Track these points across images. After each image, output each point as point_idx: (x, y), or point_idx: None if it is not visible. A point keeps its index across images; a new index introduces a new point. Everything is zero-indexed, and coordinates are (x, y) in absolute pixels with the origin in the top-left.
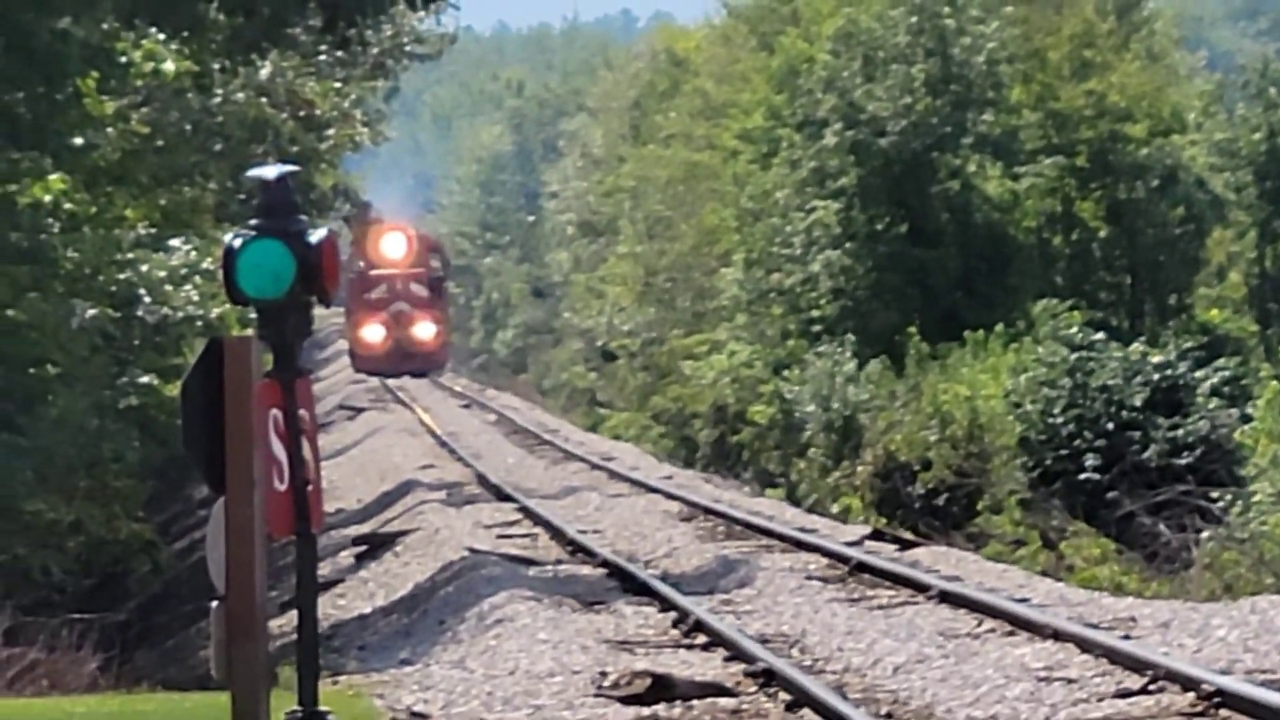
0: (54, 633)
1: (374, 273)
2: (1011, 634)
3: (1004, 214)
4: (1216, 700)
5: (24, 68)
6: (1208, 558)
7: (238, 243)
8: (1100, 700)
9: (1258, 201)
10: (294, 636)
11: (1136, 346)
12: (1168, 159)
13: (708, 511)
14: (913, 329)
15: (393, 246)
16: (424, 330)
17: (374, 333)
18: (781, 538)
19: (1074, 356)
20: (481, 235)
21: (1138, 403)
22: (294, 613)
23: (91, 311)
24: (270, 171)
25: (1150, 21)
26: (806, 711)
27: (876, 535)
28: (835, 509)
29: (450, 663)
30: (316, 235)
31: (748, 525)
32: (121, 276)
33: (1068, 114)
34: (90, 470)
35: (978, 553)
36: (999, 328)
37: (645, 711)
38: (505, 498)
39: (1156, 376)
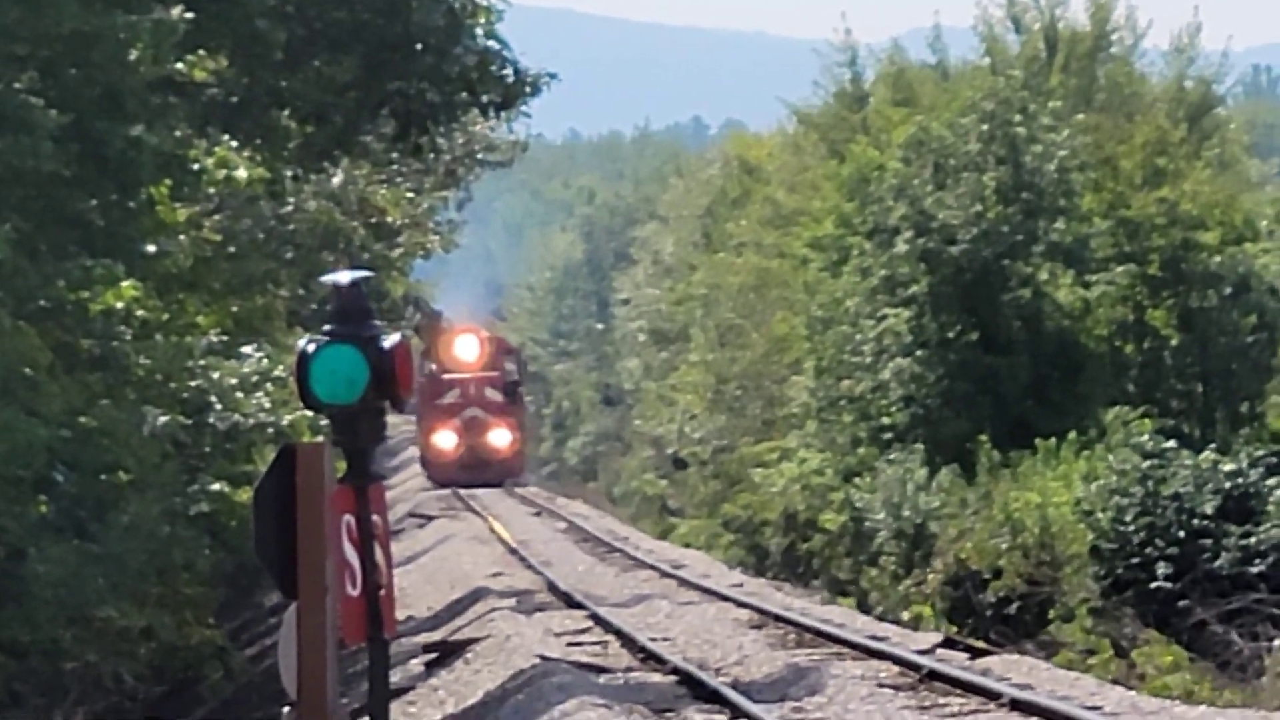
0: None
1: (446, 376)
2: None
3: (1075, 322)
4: None
5: (97, 175)
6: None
7: (311, 348)
8: None
9: None
10: None
11: (1208, 454)
12: (1240, 267)
13: (778, 619)
14: (984, 437)
15: (465, 349)
16: (499, 438)
17: (446, 440)
18: (852, 645)
19: (1145, 464)
20: (553, 343)
21: (1209, 510)
22: None
23: (163, 418)
24: (344, 277)
25: (1221, 129)
26: None
27: (948, 643)
28: (906, 617)
29: None
30: (390, 340)
31: (818, 633)
32: (193, 383)
33: (1139, 222)
34: (161, 576)
35: (1049, 661)
36: (1070, 435)
37: None
38: (575, 605)
39: (1228, 484)
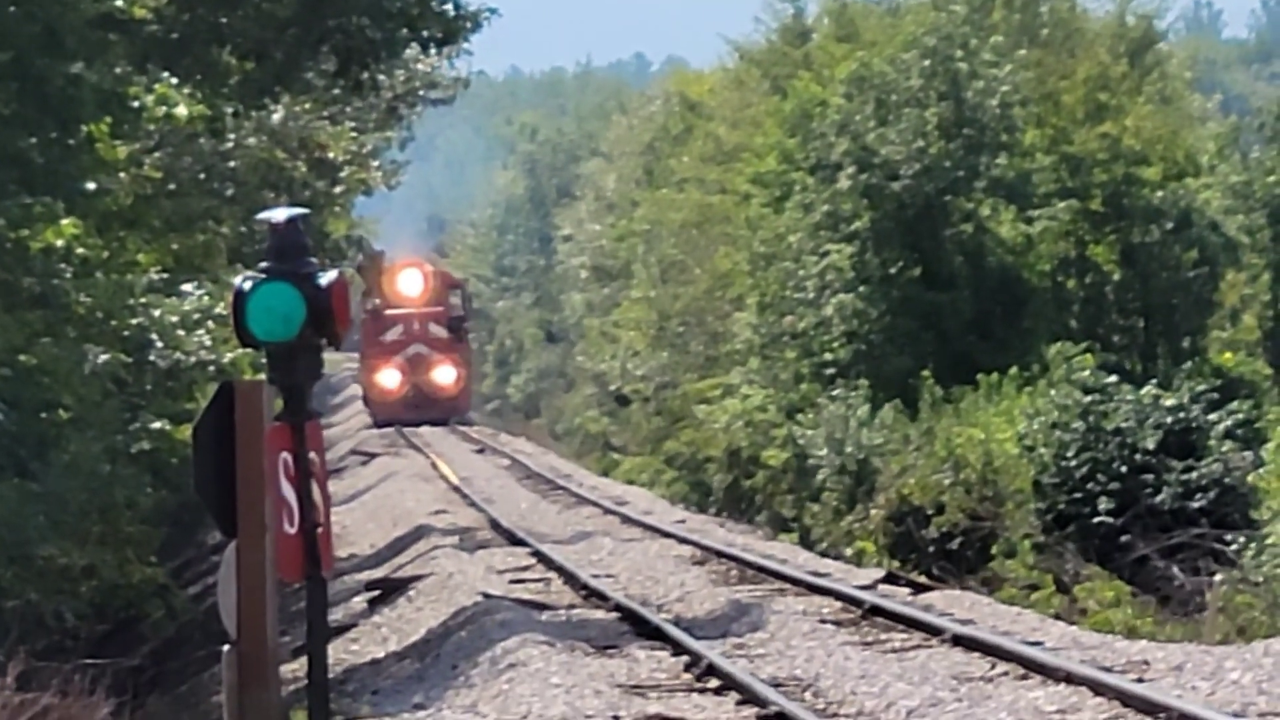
0: (67, 678)
1: (389, 312)
2: (1025, 677)
3: (1017, 257)
4: None
5: (37, 113)
6: (1221, 601)
7: (248, 285)
8: None
9: (1271, 244)
10: (306, 682)
11: (1149, 389)
12: (1182, 202)
13: (721, 555)
14: (926, 372)
15: (409, 283)
16: (444, 375)
17: (390, 378)
18: (795, 581)
19: (1087, 399)
20: (496, 279)
21: (1151, 446)
22: (306, 658)
23: (104, 356)
24: (280, 214)
25: (1162, 64)
26: None
27: (890, 579)
28: (849, 553)
29: (463, 707)
30: (327, 277)
31: (761, 569)
32: (134, 321)
33: (1081, 157)
34: (103, 515)
35: (991, 596)
36: (1013, 371)
37: None
38: (518, 542)
39: (1170, 419)
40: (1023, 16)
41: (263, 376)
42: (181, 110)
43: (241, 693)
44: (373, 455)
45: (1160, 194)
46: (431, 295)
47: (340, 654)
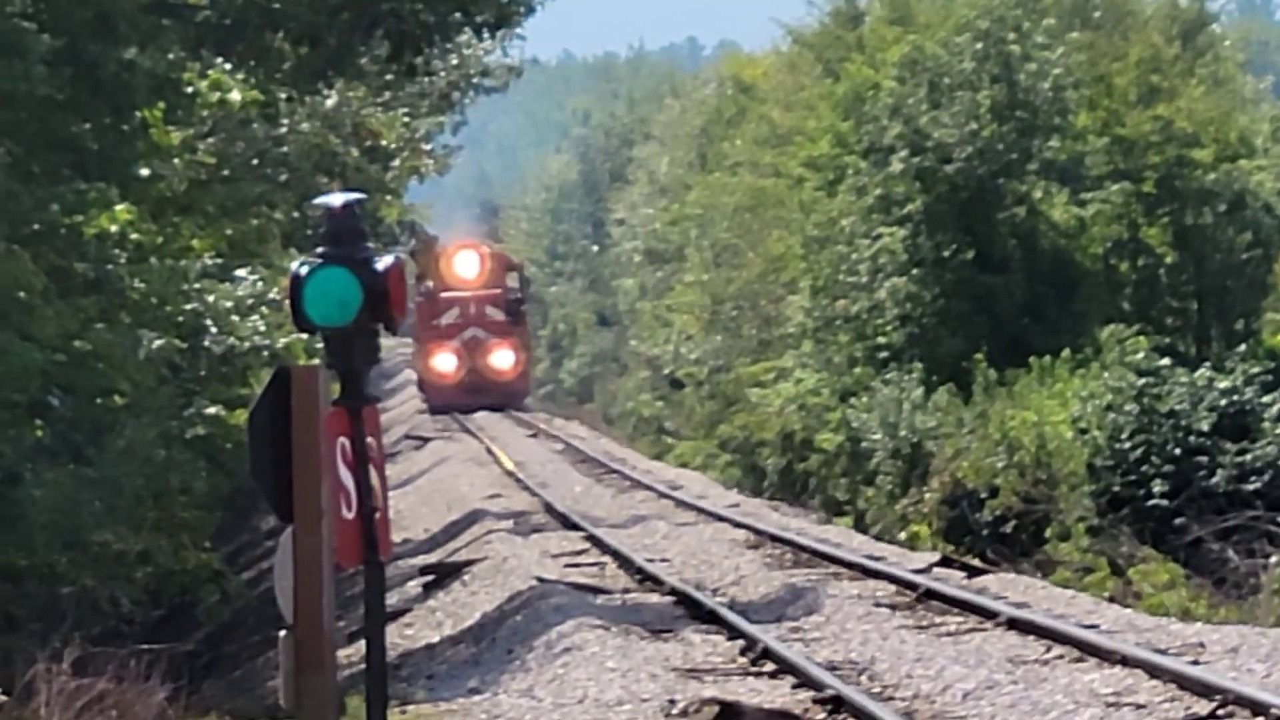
0: (122, 663)
1: (445, 295)
2: (1080, 660)
3: (1070, 240)
4: None
5: (91, 98)
6: (1276, 583)
7: (304, 270)
8: None
9: None
10: (362, 666)
11: (1203, 372)
12: (1235, 184)
13: (775, 539)
14: (979, 355)
15: (465, 265)
16: (502, 359)
17: (446, 362)
18: (849, 565)
19: (1141, 382)
20: (549, 264)
21: (1205, 428)
22: (362, 642)
23: (158, 342)
24: (336, 199)
25: (1215, 46)
26: None
27: (944, 562)
28: (903, 536)
29: (518, 691)
30: (383, 262)
31: (815, 553)
32: (188, 306)
33: (1134, 139)
34: (158, 501)
35: (1045, 579)
36: (1065, 353)
37: None
38: (573, 526)
39: (1223, 402)
40: None
41: (318, 361)
42: (235, 95)
43: (298, 677)
44: (426, 440)
45: (1213, 176)
46: (488, 277)
47: (395, 639)
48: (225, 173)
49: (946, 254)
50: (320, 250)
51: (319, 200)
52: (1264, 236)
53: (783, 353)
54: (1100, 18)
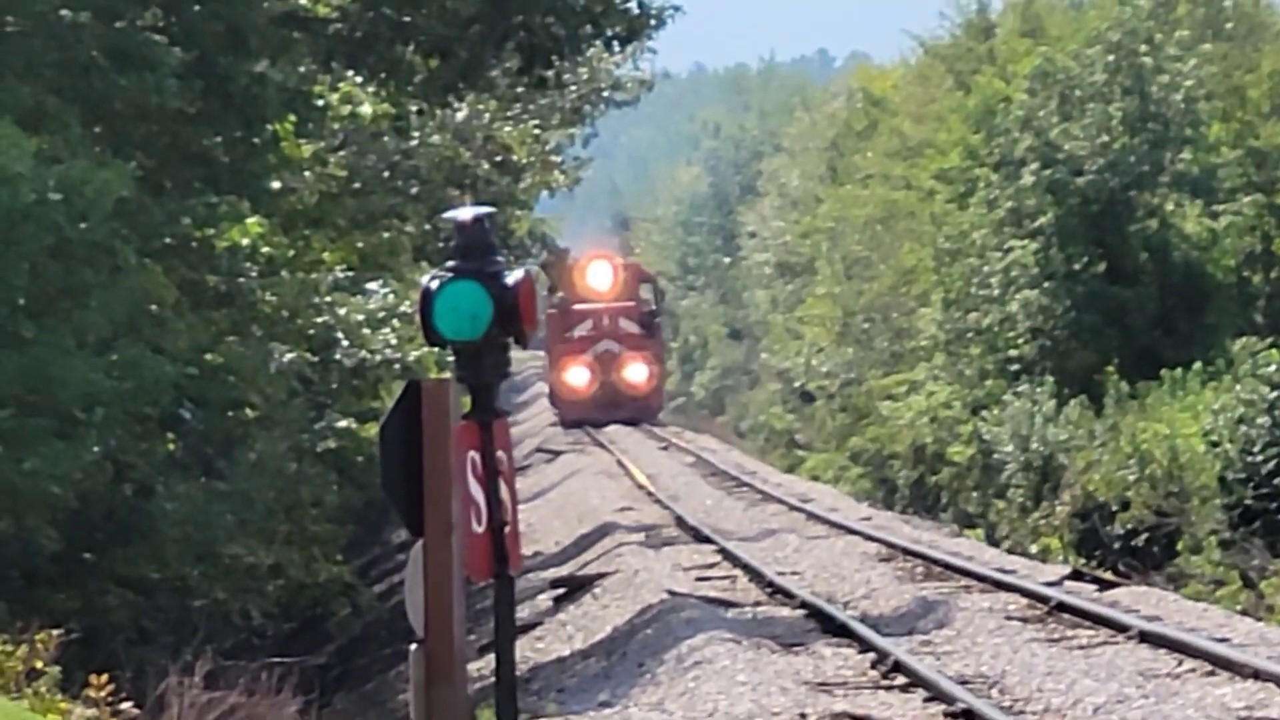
0: (254, 676)
1: (578, 307)
2: (1212, 674)
3: (1202, 252)
4: None
5: (222, 112)
6: None
7: (434, 284)
8: None
9: None
10: (493, 680)
11: None
12: None
13: (906, 552)
14: (1111, 368)
15: (599, 277)
16: (636, 373)
17: (578, 376)
18: (981, 578)
19: (1273, 395)
20: (680, 276)
21: None
22: (493, 656)
23: (289, 355)
24: (466, 213)
25: None
26: None
27: (1076, 575)
28: (1034, 549)
29: (649, 705)
30: (514, 276)
31: (947, 566)
32: (319, 320)
33: (1267, 151)
34: (289, 514)
35: (1177, 592)
36: (1197, 366)
37: None
38: (703, 539)
39: None
40: (1207, 10)
41: (449, 375)
42: (366, 108)
43: (428, 690)
44: (558, 453)
45: None
46: (622, 289)
47: (526, 652)
48: (356, 186)
49: (1078, 267)
50: (450, 264)
51: (448, 214)
52: None
53: (914, 365)
54: (1232, 29)
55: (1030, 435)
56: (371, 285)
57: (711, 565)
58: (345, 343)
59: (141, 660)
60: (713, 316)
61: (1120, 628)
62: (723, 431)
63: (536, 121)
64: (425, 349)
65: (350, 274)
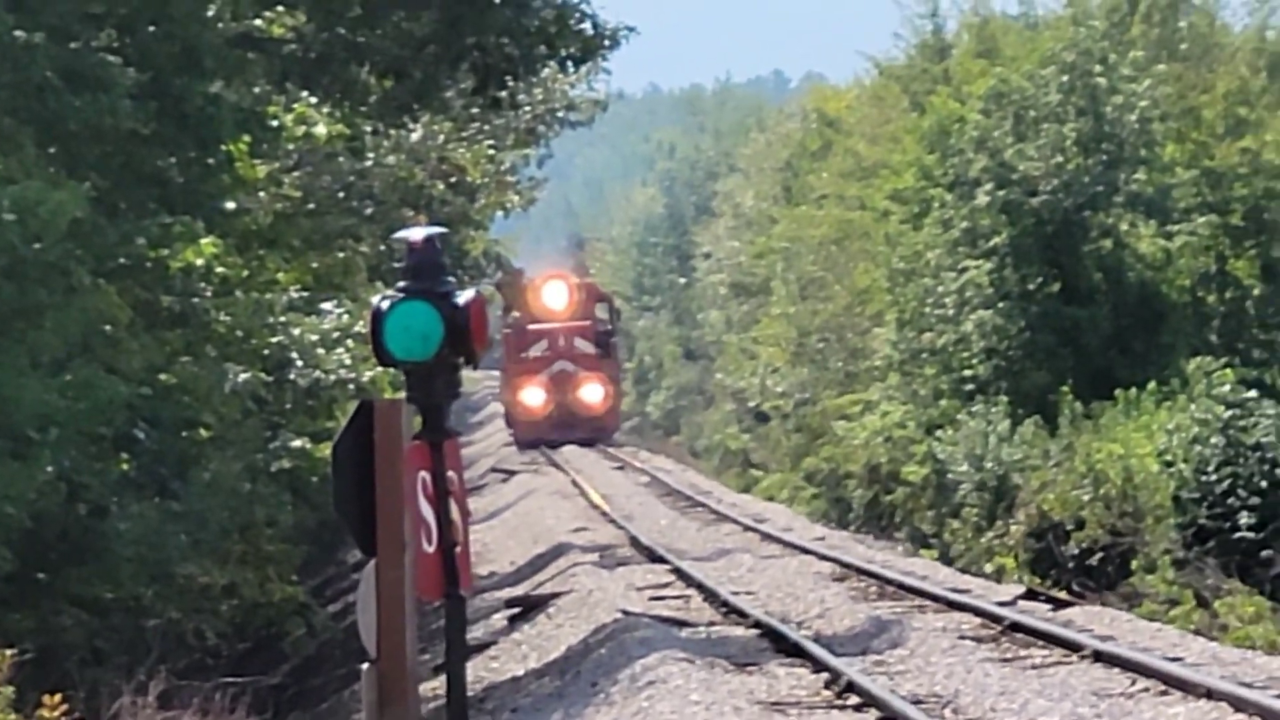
0: (208, 696)
1: (533, 327)
2: (1165, 693)
3: (1157, 272)
4: None
5: (176, 132)
6: None
7: (385, 305)
8: None
9: None
10: (445, 700)
11: None
12: None
13: (860, 572)
14: (1065, 388)
15: (554, 296)
16: (591, 393)
17: (534, 396)
18: (935, 598)
19: (1227, 414)
20: (635, 297)
21: None
22: (445, 676)
23: (244, 375)
24: (417, 233)
25: None
26: None
27: (1030, 595)
28: (989, 568)
29: None
30: (464, 296)
31: (900, 585)
32: (274, 340)
33: (1221, 172)
34: (243, 534)
35: (1131, 612)
36: (1152, 386)
37: None
38: (658, 559)
39: None
40: (1161, 31)
41: (402, 395)
42: (320, 129)
43: (381, 711)
44: (512, 472)
45: None
46: (577, 309)
47: (480, 671)
48: (310, 206)
49: (1032, 287)
50: (401, 284)
51: (400, 234)
52: None
53: (869, 385)
54: (1187, 50)
55: (985, 455)
56: (326, 305)
57: (666, 585)
58: (300, 363)
59: (95, 680)
60: (668, 337)
61: (1074, 647)
62: (678, 452)
63: (491, 142)
64: (380, 369)
65: (305, 294)
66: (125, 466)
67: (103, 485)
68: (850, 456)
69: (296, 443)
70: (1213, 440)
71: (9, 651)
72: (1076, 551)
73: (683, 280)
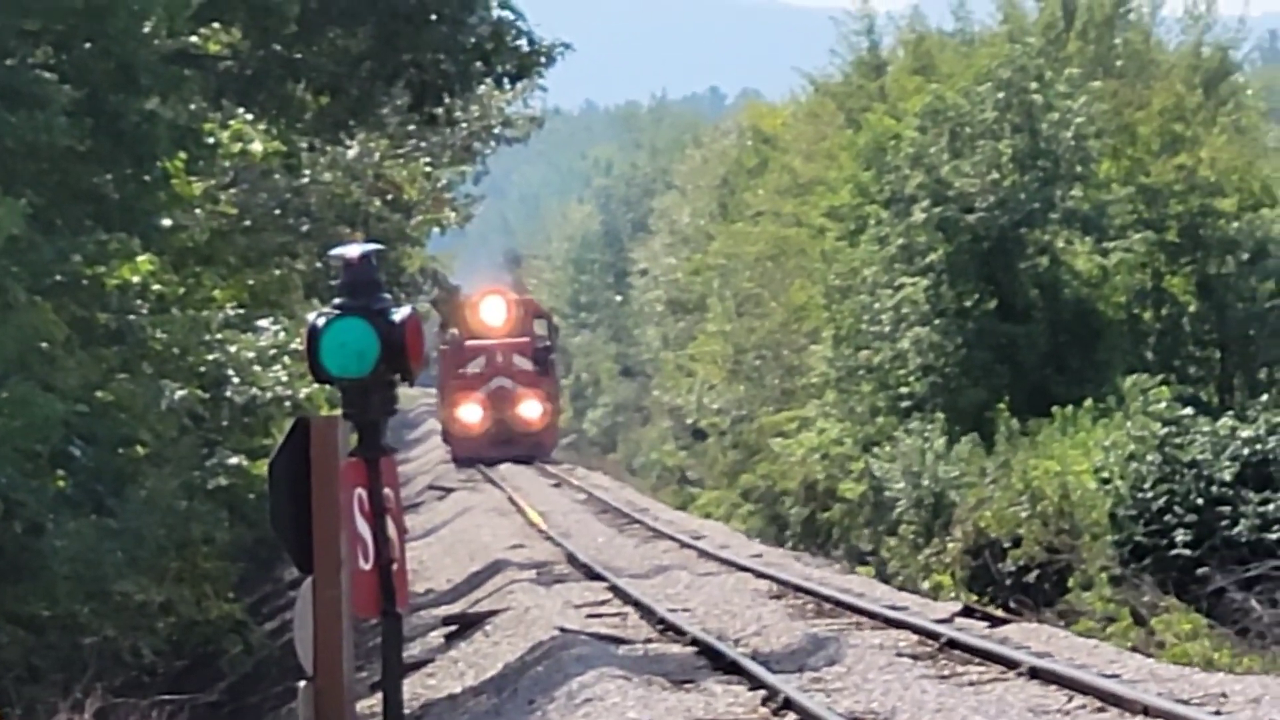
0: (145, 714)
1: (470, 343)
2: (1102, 710)
3: (1093, 289)
4: None
5: (112, 149)
6: None
7: (321, 322)
8: None
9: None
10: (381, 718)
11: (1226, 421)
12: (1258, 233)
13: (797, 589)
14: (1002, 405)
15: (492, 312)
16: (529, 409)
17: (471, 413)
18: (872, 615)
19: (1163, 431)
20: (572, 314)
21: (1228, 477)
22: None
23: (180, 392)
24: (353, 250)
25: (1238, 95)
26: None
27: (967, 612)
28: (926, 586)
29: None
30: (400, 313)
31: (838, 603)
32: (210, 357)
33: (1157, 189)
34: (180, 551)
35: (1068, 629)
36: (1088, 403)
37: None
38: (595, 577)
39: (1246, 451)
40: (1097, 48)
41: (338, 412)
42: (256, 146)
43: None
44: (450, 490)
45: (1236, 225)
46: (515, 325)
47: (417, 689)
48: (247, 223)
49: (969, 304)
50: (337, 301)
51: (335, 251)
52: None
53: (805, 402)
54: (1123, 67)
55: (921, 472)
56: (262, 323)
57: (603, 602)
58: (236, 380)
59: (32, 698)
60: (604, 354)
61: (1011, 664)
62: (615, 469)
63: (427, 159)
64: (316, 386)
65: (241, 311)
66: (61, 484)
67: (39, 502)
68: (787, 473)
69: (233, 460)
70: (1149, 457)
71: None
72: (1013, 569)
73: (619, 297)
